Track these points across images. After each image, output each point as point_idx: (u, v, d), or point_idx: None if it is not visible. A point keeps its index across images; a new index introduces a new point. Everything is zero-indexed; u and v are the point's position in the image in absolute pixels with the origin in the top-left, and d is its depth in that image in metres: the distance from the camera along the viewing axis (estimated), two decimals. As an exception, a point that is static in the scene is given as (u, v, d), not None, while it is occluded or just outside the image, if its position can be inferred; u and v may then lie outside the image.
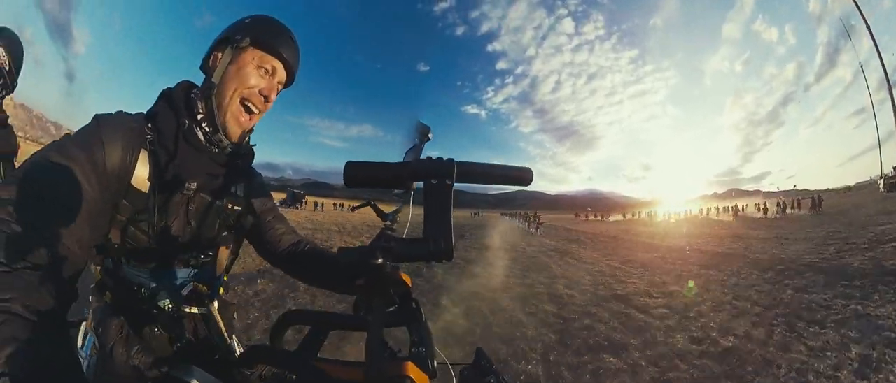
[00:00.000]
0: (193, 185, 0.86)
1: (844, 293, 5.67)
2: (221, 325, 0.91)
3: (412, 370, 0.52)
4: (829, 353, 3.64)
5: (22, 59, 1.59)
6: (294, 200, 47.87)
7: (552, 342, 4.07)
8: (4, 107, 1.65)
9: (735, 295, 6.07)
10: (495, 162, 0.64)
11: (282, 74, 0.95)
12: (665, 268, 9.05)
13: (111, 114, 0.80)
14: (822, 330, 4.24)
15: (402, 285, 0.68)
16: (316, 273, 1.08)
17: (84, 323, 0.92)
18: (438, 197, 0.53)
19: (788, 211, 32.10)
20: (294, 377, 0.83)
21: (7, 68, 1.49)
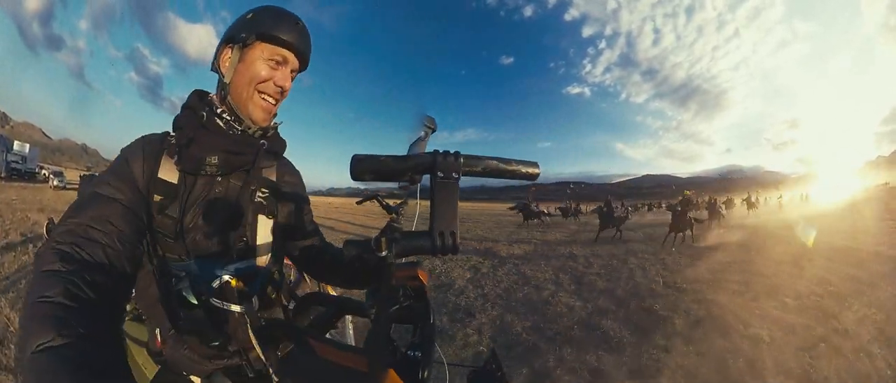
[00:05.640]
0: (214, 160, 0.87)
1: None
2: (249, 329, 0.81)
3: (392, 379, 0.51)
4: None
5: None
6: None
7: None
8: None
9: None
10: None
11: (294, 62, 0.95)
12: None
13: (133, 141, 0.91)
14: None
15: (415, 280, 0.67)
16: (327, 269, 1.11)
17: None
18: (445, 191, 0.53)
19: None
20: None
21: None
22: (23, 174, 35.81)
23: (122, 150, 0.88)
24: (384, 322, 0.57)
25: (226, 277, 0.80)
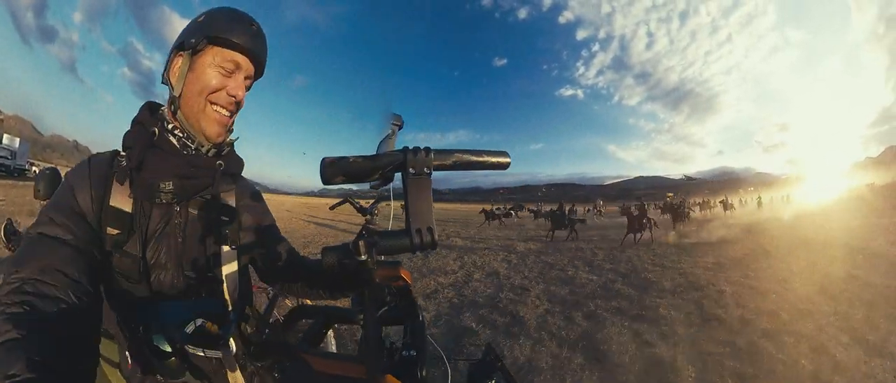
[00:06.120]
0: (169, 186, 0.81)
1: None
2: (238, 376, 0.76)
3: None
4: None
5: None
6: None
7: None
8: None
9: None
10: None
11: (249, 68, 0.89)
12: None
13: (79, 162, 0.83)
14: None
15: (399, 280, 0.67)
16: (305, 283, 1.06)
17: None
18: (418, 187, 0.52)
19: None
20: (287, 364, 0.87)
21: None
22: (11, 171, 31.83)
23: (67, 176, 0.81)
24: (374, 326, 0.57)
25: (200, 321, 0.77)
